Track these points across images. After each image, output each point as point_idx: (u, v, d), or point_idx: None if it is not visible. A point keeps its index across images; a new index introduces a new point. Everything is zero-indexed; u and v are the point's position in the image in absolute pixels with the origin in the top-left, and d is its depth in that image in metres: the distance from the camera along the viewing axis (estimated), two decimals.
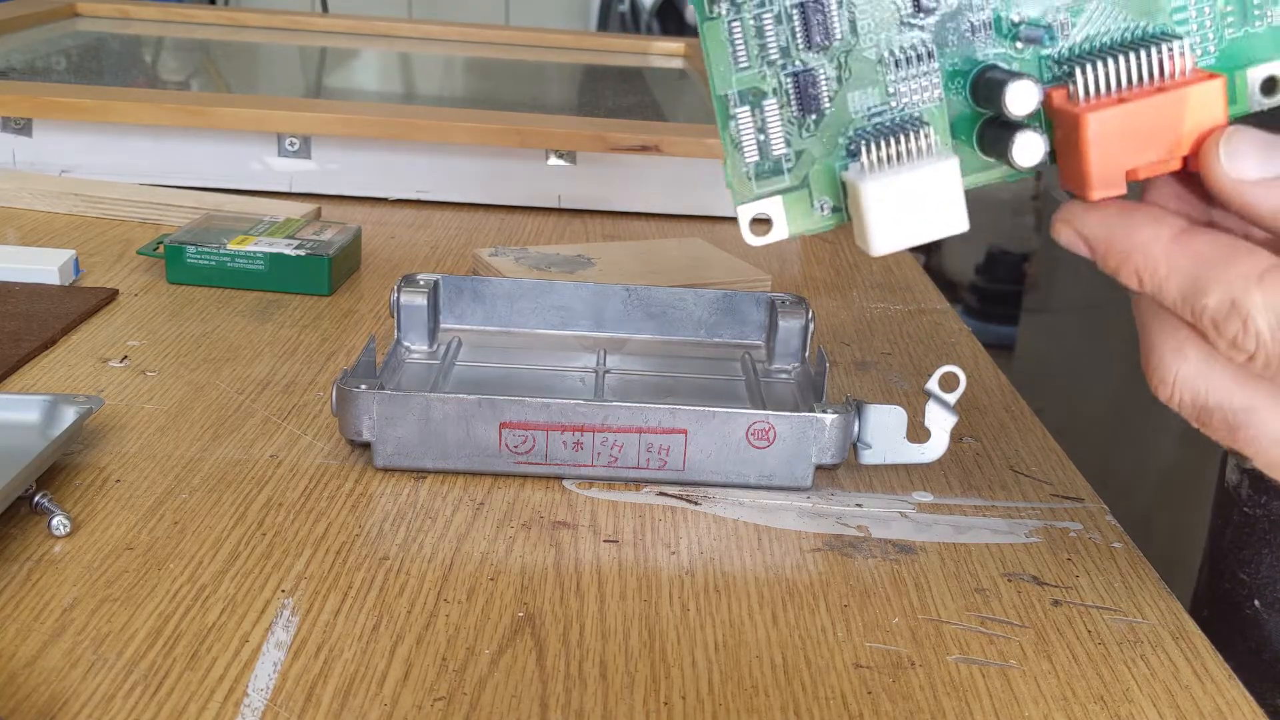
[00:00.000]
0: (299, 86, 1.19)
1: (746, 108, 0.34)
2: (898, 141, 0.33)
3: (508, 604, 0.39)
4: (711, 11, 0.34)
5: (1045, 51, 0.34)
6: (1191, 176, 0.33)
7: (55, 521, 0.40)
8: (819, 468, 0.47)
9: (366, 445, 0.47)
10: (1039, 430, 0.55)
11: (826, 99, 0.34)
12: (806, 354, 0.55)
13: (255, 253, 0.64)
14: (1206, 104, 0.31)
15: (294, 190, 0.83)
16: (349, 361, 0.56)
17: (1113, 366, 1.47)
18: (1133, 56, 0.32)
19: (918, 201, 0.32)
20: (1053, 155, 0.33)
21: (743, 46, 0.34)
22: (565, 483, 0.47)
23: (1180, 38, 0.32)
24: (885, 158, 0.33)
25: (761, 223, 0.35)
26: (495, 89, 1.21)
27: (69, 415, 0.45)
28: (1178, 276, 0.29)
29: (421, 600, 0.39)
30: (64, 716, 0.32)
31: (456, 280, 0.56)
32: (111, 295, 0.62)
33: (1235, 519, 0.56)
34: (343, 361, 0.56)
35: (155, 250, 0.66)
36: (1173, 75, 0.32)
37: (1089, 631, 0.40)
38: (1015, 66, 0.34)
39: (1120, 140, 0.31)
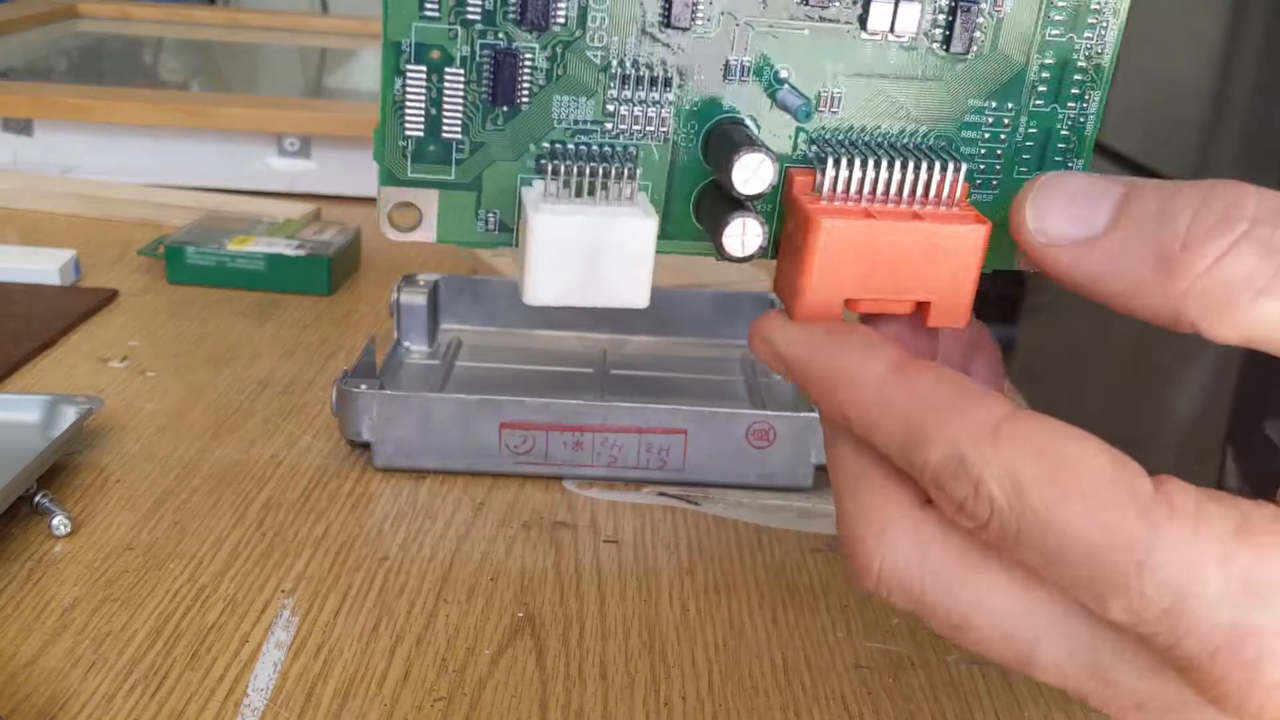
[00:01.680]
0: (299, 86, 1.19)
1: (423, 69, 0.26)
2: (594, 173, 0.26)
3: (508, 604, 0.39)
4: None
5: (802, 124, 0.28)
6: (921, 324, 0.27)
7: (55, 521, 0.40)
8: (819, 468, 0.47)
9: (366, 445, 0.47)
10: None
11: (527, 93, 0.27)
12: None
13: (255, 253, 0.64)
14: (961, 250, 0.25)
15: (294, 190, 0.83)
16: (349, 361, 0.56)
17: (1113, 367, 1.47)
18: (899, 164, 0.26)
19: (594, 255, 0.25)
20: (775, 247, 0.27)
21: None
22: (565, 483, 0.47)
23: (960, 160, 0.26)
24: (574, 187, 0.26)
25: (407, 211, 0.27)
26: None
27: (69, 415, 0.45)
28: (893, 421, 0.23)
29: (421, 600, 0.39)
30: (64, 716, 0.33)
31: (456, 280, 0.56)
32: (111, 295, 0.62)
33: None
34: (343, 361, 0.56)
35: (155, 250, 0.66)
36: (938, 201, 0.26)
37: None
38: (762, 131, 0.27)
39: (852, 260, 0.25)
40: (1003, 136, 0.28)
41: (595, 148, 0.27)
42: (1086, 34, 0.28)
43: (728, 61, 0.27)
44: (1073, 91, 0.28)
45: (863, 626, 0.39)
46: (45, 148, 0.82)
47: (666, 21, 0.26)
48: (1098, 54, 0.28)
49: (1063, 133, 0.28)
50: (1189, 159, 1.28)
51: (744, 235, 0.26)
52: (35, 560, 0.39)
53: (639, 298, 0.26)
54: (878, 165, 0.26)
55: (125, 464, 0.46)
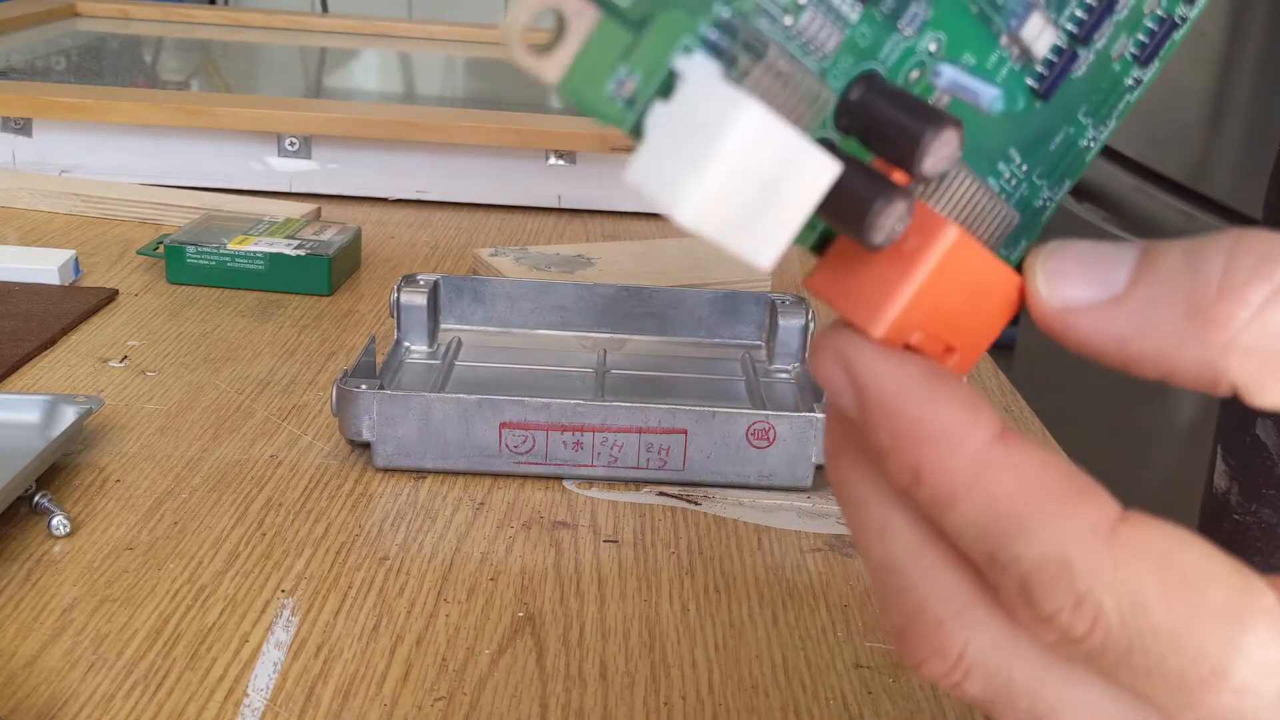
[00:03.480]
0: (299, 86, 1.19)
1: None
2: (808, 86, 0.21)
3: (508, 604, 0.39)
4: None
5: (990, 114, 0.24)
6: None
7: (55, 521, 0.40)
8: (819, 468, 0.47)
9: (366, 445, 0.47)
10: (1039, 430, 0.55)
11: None
12: (806, 354, 0.55)
13: (255, 253, 0.64)
14: (1014, 305, 0.23)
15: (294, 190, 0.83)
16: (349, 361, 0.56)
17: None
18: (990, 198, 0.23)
19: (764, 184, 0.20)
20: (825, 239, 0.23)
21: None
22: (565, 483, 0.47)
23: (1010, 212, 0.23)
24: (778, 84, 0.21)
25: (543, 35, 0.21)
26: (495, 89, 1.21)
27: (69, 415, 0.45)
28: (984, 502, 0.19)
29: (421, 600, 0.39)
30: (64, 716, 0.32)
31: (456, 280, 0.56)
32: (111, 295, 0.62)
33: (1225, 526, 0.56)
34: (343, 361, 0.56)
35: (155, 250, 0.66)
36: (991, 246, 0.23)
37: None
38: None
39: (948, 283, 0.22)
40: (1005, 195, 0.25)
41: (797, 45, 0.22)
42: (1105, 124, 0.26)
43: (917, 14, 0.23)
44: (1060, 174, 0.26)
45: (863, 626, 0.39)
46: (44, 147, 0.82)
47: None
48: (1089, 147, 0.26)
49: (1036, 206, 0.26)
50: (1189, 159, 1.28)
51: (893, 213, 0.21)
52: (35, 560, 0.39)
53: (770, 255, 0.21)
54: (981, 192, 0.23)
55: (125, 464, 0.46)
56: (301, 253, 0.64)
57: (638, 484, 0.47)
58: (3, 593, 0.38)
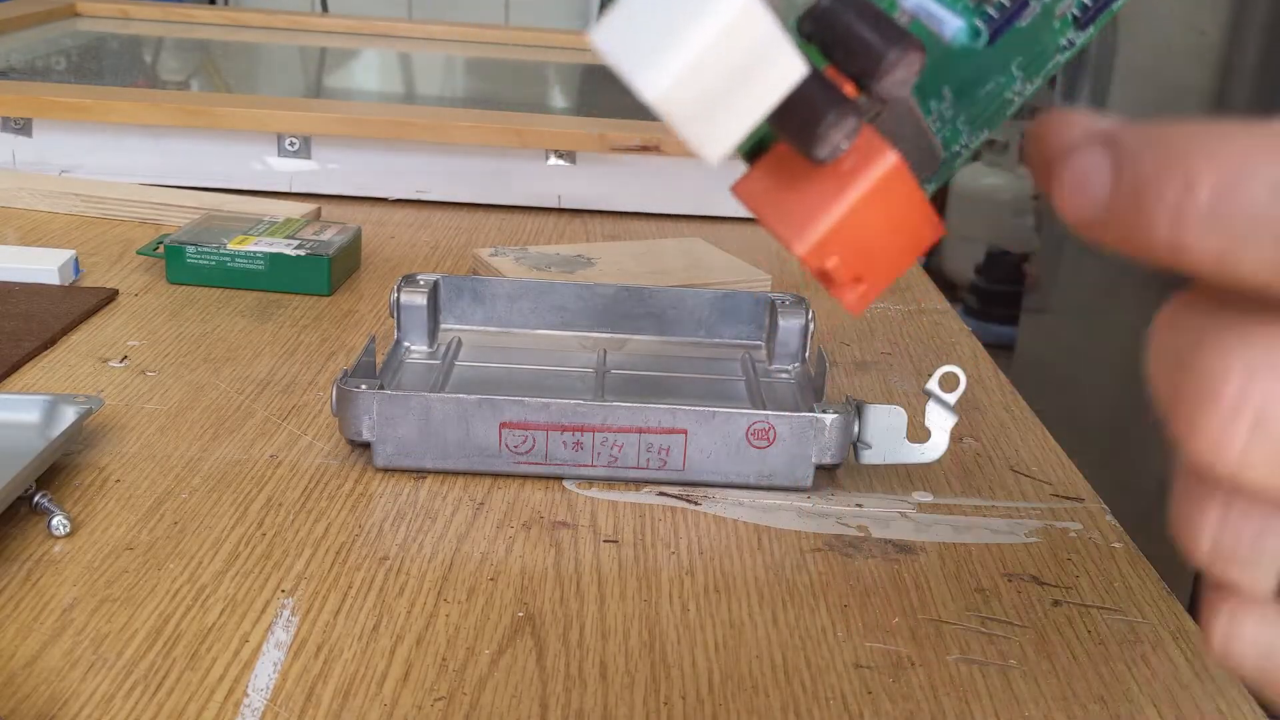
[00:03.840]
0: (299, 86, 1.19)
1: None
2: None
3: (508, 604, 0.39)
4: None
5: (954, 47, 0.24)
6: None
7: (55, 521, 0.40)
8: (819, 468, 0.47)
9: (366, 445, 0.47)
10: (1039, 430, 0.55)
11: None
12: (806, 354, 0.55)
13: (255, 253, 0.64)
14: (923, 247, 0.23)
15: (294, 190, 0.83)
16: (349, 361, 0.56)
17: (1112, 367, 1.47)
18: (922, 132, 0.23)
19: (737, 69, 0.19)
20: (759, 147, 0.23)
21: None
22: (565, 483, 0.47)
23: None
24: None
25: None
26: (495, 89, 1.21)
27: (69, 415, 0.45)
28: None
29: (421, 600, 0.39)
30: (64, 716, 0.32)
31: (456, 280, 0.56)
32: (111, 295, 0.62)
33: None
34: (343, 361, 0.56)
35: (155, 250, 0.66)
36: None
37: (1089, 631, 0.40)
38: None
39: (876, 210, 0.21)
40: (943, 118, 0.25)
41: None
42: (1032, 80, 0.26)
43: None
44: (981, 123, 0.26)
45: (863, 626, 0.39)
46: (44, 147, 0.82)
47: None
48: (1013, 100, 0.26)
49: (952, 150, 0.26)
50: None
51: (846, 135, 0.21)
52: (34, 560, 0.39)
53: (719, 149, 0.20)
54: (918, 119, 0.23)
55: (125, 464, 0.46)
56: (301, 253, 0.64)
57: (638, 484, 0.47)
58: (3, 593, 0.38)
